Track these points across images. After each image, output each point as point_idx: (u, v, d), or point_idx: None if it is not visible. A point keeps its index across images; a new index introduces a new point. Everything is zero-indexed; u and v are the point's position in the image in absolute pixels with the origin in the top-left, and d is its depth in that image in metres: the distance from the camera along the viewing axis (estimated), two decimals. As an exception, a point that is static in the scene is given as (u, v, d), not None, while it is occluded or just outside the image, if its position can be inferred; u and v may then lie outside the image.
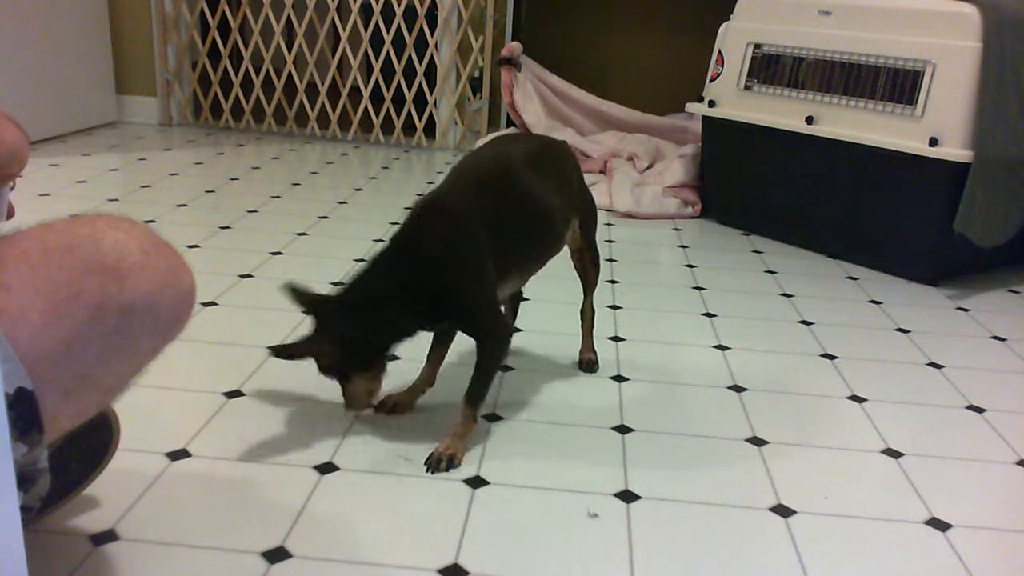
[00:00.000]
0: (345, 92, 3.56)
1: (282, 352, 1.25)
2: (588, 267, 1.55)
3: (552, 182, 1.39)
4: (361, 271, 1.26)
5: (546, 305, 1.86)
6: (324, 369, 1.27)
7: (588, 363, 1.58)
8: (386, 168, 3.23)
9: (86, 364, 0.79)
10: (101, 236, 0.81)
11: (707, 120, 2.70)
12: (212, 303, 1.77)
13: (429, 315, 1.26)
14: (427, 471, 1.22)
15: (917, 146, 2.12)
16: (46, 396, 0.75)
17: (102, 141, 3.32)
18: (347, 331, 1.23)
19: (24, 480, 0.77)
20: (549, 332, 1.75)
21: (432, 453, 1.24)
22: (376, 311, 1.24)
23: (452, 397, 1.45)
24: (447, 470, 1.22)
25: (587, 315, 1.60)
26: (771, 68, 2.50)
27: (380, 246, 1.28)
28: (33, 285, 0.76)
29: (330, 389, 1.43)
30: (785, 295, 2.07)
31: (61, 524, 1.04)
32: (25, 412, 0.73)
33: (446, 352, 1.43)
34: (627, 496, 1.19)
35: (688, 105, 2.76)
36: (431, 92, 3.52)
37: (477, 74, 3.51)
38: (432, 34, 3.44)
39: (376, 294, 1.24)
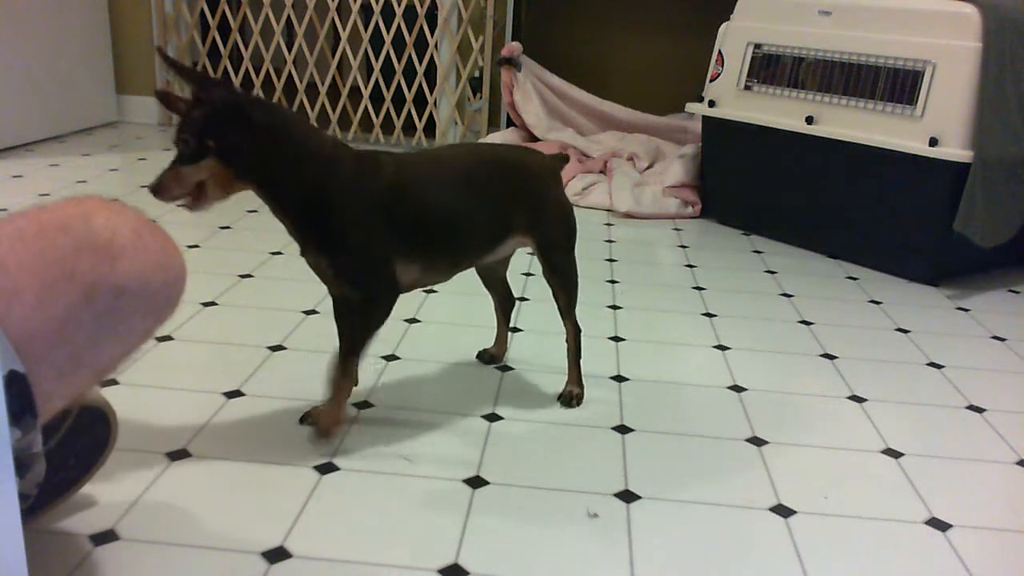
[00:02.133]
0: (345, 92, 3.56)
1: (163, 97, 1.18)
2: (556, 292, 1.43)
3: (499, 195, 1.33)
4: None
5: (545, 305, 1.85)
6: (184, 127, 1.12)
7: (567, 397, 1.44)
8: (386, 168, 3.22)
9: (79, 344, 0.79)
10: (93, 215, 0.81)
11: (707, 120, 2.70)
12: (212, 303, 1.77)
13: (298, 213, 1.26)
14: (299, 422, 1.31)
15: (917, 146, 2.12)
16: (41, 377, 0.75)
17: (102, 141, 3.32)
18: (249, 105, 1.12)
19: (19, 466, 0.76)
20: (549, 332, 1.74)
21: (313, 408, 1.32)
22: (286, 129, 1.17)
23: (455, 400, 1.45)
24: (320, 436, 1.26)
25: (569, 343, 1.46)
26: (771, 68, 2.50)
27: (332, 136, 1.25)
28: (28, 263, 0.75)
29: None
30: (785, 295, 2.07)
31: (61, 524, 1.04)
32: (17, 396, 0.72)
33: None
34: (627, 496, 1.19)
35: (688, 105, 2.76)
36: (431, 92, 3.52)
37: (477, 74, 3.51)
38: (432, 34, 3.44)
39: (298, 123, 1.22)
